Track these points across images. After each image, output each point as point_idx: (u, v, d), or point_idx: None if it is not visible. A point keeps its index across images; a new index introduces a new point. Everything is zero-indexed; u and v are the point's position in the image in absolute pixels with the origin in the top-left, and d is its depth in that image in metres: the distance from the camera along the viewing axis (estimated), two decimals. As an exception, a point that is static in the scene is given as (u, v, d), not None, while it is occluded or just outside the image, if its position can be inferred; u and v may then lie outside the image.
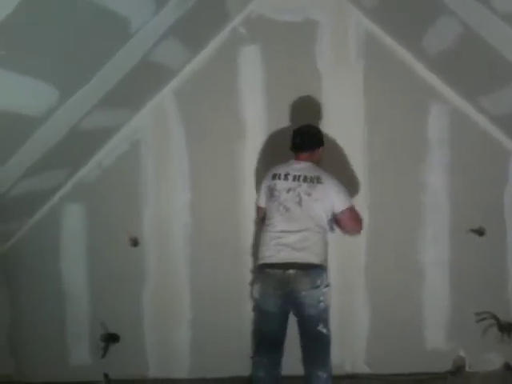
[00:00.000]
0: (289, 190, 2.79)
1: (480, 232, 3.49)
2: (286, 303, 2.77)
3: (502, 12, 2.44)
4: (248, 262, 3.56)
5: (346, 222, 2.91)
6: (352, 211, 2.89)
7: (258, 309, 2.88)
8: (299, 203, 2.76)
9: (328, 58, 3.49)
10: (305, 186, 2.78)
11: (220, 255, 3.61)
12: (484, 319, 3.51)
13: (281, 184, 2.83)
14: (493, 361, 3.56)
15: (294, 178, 2.81)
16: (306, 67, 3.49)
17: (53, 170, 3.30)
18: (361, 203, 3.47)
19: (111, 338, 3.64)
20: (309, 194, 2.76)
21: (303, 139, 2.95)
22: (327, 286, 2.78)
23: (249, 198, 3.53)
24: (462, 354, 3.55)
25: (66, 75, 2.44)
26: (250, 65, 3.50)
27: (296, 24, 3.46)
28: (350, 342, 3.57)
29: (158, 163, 3.60)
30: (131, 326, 3.66)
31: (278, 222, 2.80)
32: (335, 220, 2.94)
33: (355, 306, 3.59)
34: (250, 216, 3.55)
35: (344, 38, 3.47)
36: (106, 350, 3.60)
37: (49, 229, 3.63)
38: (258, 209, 3.15)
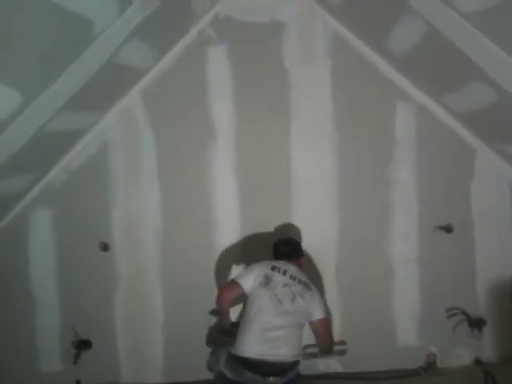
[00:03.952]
0: (285, 285, 2.92)
1: (448, 229, 3.53)
2: None
3: (465, 12, 2.49)
4: (221, 263, 3.56)
5: (322, 330, 3.01)
6: (326, 321, 3.05)
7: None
8: (293, 299, 2.89)
9: (295, 58, 3.51)
10: (299, 287, 2.94)
11: (192, 257, 3.59)
12: (454, 315, 3.56)
13: (279, 277, 2.94)
14: (464, 356, 3.61)
15: (291, 277, 2.96)
16: (274, 67, 3.50)
17: (19, 174, 3.23)
18: (330, 201, 3.54)
19: (83, 345, 3.59)
20: (302, 296, 2.91)
21: (289, 248, 3.17)
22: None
23: (220, 198, 3.56)
24: (433, 349, 3.60)
25: (28, 78, 2.40)
26: (218, 65, 3.50)
27: (263, 25, 3.48)
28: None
29: (127, 165, 3.57)
30: (103, 332, 3.61)
31: (269, 312, 2.85)
32: (311, 328, 3.03)
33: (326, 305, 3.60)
34: (222, 216, 3.57)
35: (311, 38, 3.50)
36: (77, 356, 3.56)
37: (17, 234, 3.57)
38: (234, 287, 2.95)
